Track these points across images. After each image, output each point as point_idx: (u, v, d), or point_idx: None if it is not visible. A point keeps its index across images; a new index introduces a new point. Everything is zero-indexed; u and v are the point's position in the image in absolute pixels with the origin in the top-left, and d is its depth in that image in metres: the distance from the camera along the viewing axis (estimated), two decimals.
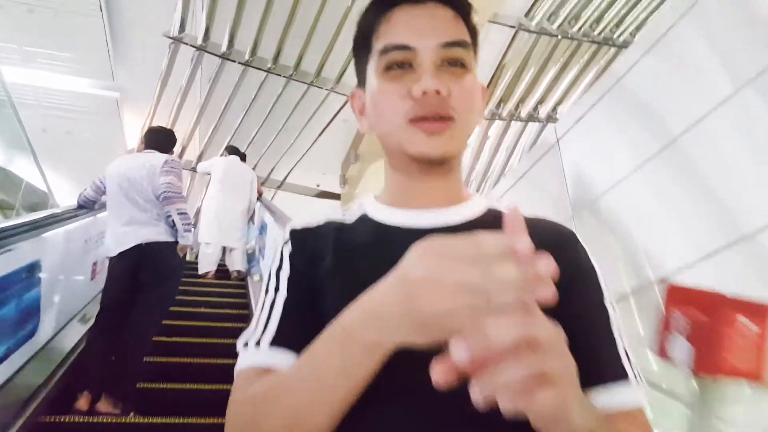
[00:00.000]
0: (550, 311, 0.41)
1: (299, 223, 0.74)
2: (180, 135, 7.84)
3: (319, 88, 6.95)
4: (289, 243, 0.71)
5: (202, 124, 7.65)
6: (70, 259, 3.45)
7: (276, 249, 0.73)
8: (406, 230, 0.67)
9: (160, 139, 3.50)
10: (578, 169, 2.98)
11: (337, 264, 0.66)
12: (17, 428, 2.23)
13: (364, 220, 0.72)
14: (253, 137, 7.81)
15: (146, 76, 7.12)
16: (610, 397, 0.58)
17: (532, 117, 7.26)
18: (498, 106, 7.25)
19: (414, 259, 0.43)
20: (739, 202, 1.90)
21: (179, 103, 7.18)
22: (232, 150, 6.20)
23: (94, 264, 3.98)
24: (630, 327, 2.24)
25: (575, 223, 2.85)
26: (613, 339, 0.63)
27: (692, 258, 2.01)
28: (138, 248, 3.01)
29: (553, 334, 0.40)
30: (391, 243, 0.59)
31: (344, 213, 0.76)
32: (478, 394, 0.38)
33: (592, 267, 0.68)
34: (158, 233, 3.08)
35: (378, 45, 0.68)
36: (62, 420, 2.47)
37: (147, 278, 3.00)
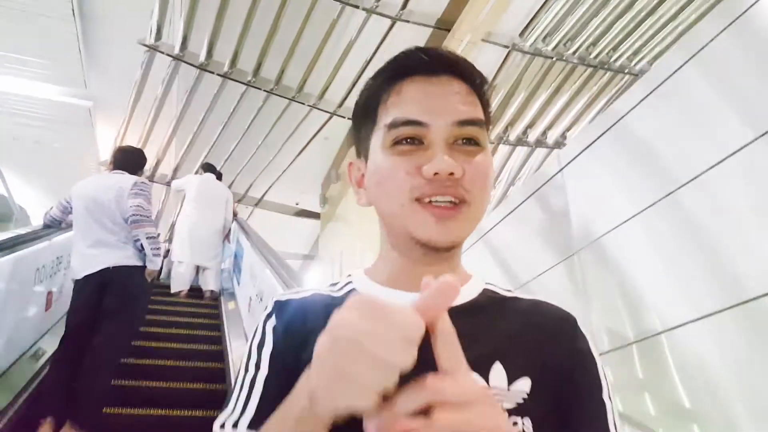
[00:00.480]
0: (550, 401, 0.51)
1: (284, 294, 0.71)
2: (155, 147, 7.59)
3: (300, 103, 6.68)
4: (273, 317, 0.68)
5: (177, 137, 7.36)
6: (18, 291, 3.23)
7: (258, 323, 0.69)
8: None
9: (129, 160, 3.42)
10: (579, 206, 2.82)
11: None
12: None
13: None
14: (231, 152, 7.55)
15: (120, 85, 6.82)
16: None
17: (521, 141, 7.03)
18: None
19: (333, 337, 0.42)
20: (742, 264, 1.80)
21: (154, 114, 6.91)
22: (207, 167, 6.13)
23: (49, 293, 3.70)
24: (630, 371, 2.21)
25: (577, 259, 2.71)
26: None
27: (689, 317, 1.94)
28: (105, 272, 2.95)
29: (470, 393, 0.41)
30: None
31: (331, 286, 0.73)
32: None
33: (593, 357, 0.65)
34: (126, 257, 3.02)
35: (386, 118, 0.64)
36: None
37: (112, 303, 2.93)
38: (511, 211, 3.43)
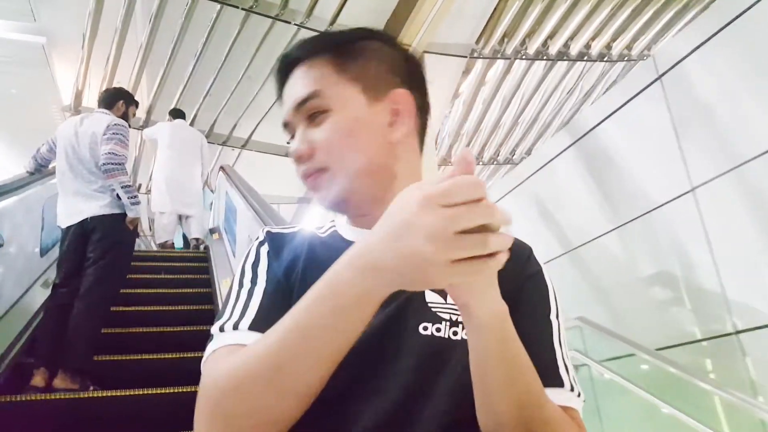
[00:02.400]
0: (512, 315, 0.55)
1: (274, 227, 0.78)
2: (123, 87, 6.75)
3: (285, 22, 5.80)
4: (266, 243, 0.74)
5: (147, 72, 6.53)
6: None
7: (250, 247, 0.74)
8: None
9: (110, 97, 3.33)
10: None
11: (306, 272, 0.68)
12: None
13: (335, 237, 0.76)
14: (210, 88, 6.73)
15: (74, 15, 5.93)
16: (552, 398, 0.61)
17: (540, 54, 6.28)
18: (501, 42, 6.24)
19: (401, 208, 0.46)
20: None
21: (117, 47, 6.07)
22: (176, 113, 5.82)
23: None
24: None
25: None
26: (554, 350, 0.66)
27: None
28: (84, 222, 2.98)
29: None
30: None
31: (317, 228, 0.79)
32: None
33: (543, 281, 0.72)
34: (103, 207, 3.00)
35: None
36: (18, 399, 2.39)
37: (94, 252, 2.94)
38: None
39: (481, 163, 8.29)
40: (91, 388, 2.63)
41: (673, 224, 3.06)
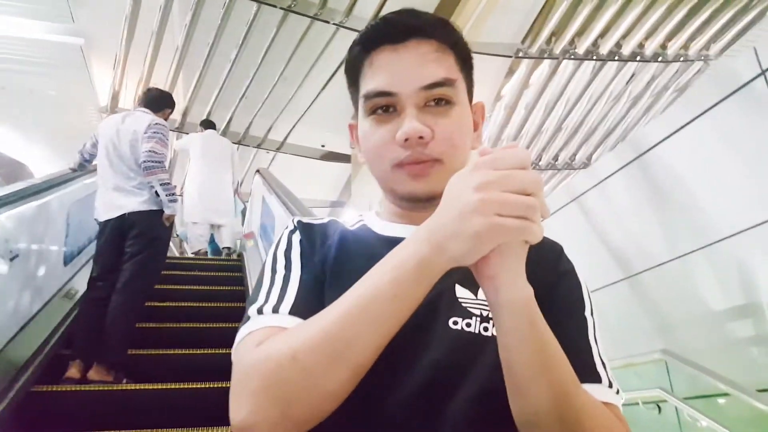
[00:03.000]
0: (545, 314, 0.55)
1: (304, 218, 0.77)
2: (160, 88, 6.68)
3: (325, 22, 5.62)
4: (298, 231, 0.74)
5: (184, 74, 6.47)
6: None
7: (281, 235, 0.74)
8: (403, 239, 0.63)
9: (153, 99, 3.41)
10: None
11: (337, 262, 0.69)
12: (9, 399, 2.22)
13: (365, 229, 0.76)
14: (246, 89, 6.56)
15: (112, 16, 5.87)
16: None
17: (590, 54, 5.97)
18: (549, 41, 5.96)
19: (456, 180, 0.51)
20: None
21: (153, 48, 5.97)
22: (207, 124, 5.86)
23: None
24: None
25: None
26: (590, 346, 0.66)
27: None
28: (123, 218, 3.03)
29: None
30: (387, 249, 0.58)
31: (345, 222, 0.79)
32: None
33: (576, 278, 0.72)
34: (141, 203, 3.07)
35: (363, 89, 0.70)
36: (54, 389, 2.45)
37: (132, 247, 3.01)
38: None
39: None
40: (125, 381, 2.69)
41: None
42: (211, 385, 2.46)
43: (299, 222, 0.75)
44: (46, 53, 6.70)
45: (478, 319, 0.65)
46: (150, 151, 3.03)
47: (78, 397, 2.45)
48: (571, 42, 6.18)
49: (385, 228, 0.74)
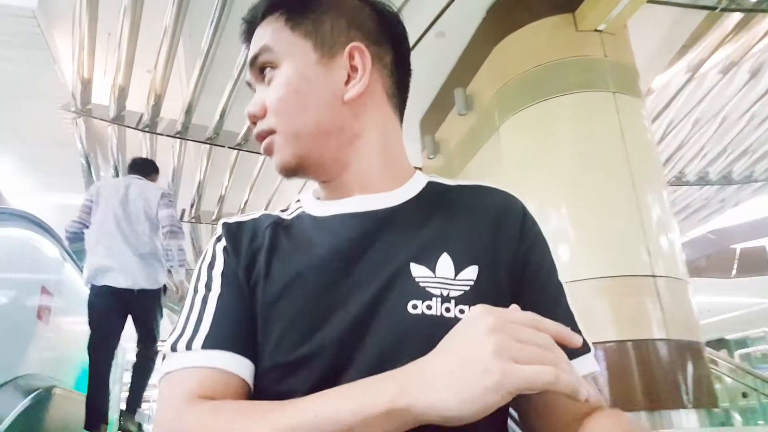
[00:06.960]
0: (501, 286, 0.58)
1: (232, 217, 0.72)
2: (147, 76, 4.56)
3: None
4: (223, 239, 0.68)
5: (184, 56, 4.25)
6: None
7: (207, 247, 0.70)
8: (339, 216, 0.66)
9: (143, 166, 3.49)
10: None
11: (269, 265, 0.64)
12: None
13: (302, 218, 0.71)
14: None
15: None
16: (578, 368, 0.58)
17: None
18: None
19: (465, 325, 0.48)
20: None
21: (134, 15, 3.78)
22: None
23: None
24: None
25: None
26: (571, 312, 0.65)
27: None
28: (129, 292, 3.05)
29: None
30: (324, 231, 0.61)
31: (281, 211, 0.73)
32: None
33: (544, 240, 0.68)
34: (150, 280, 3.11)
35: None
36: None
37: (138, 316, 3.17)
38: None
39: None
40: None
41: None
42: None
43: (224, 225, 0.70)
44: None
45: (439, 299, 0.58)
46: (170, 216, 3.19)
47: None
48: None
49: (321, 209, 0.69)
